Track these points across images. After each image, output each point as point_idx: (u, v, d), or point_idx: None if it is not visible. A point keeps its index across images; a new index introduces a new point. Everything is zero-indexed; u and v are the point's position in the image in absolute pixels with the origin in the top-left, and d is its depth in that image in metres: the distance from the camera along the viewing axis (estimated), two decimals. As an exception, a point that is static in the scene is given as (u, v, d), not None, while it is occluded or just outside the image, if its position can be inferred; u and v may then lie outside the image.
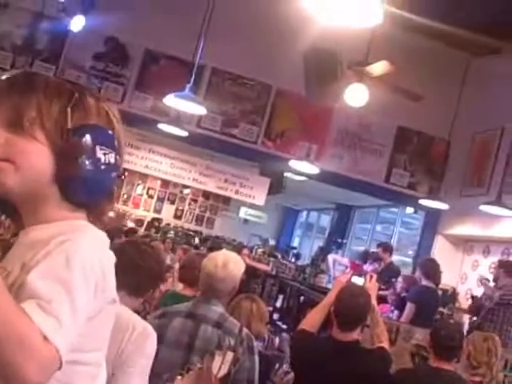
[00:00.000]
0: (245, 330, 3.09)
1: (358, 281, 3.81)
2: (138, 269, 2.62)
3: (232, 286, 3.17)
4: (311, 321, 3.65)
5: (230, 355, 2.68)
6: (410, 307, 6.57)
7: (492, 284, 7.16)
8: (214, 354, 2.74)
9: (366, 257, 8.85)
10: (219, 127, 9.34)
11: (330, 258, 9.99)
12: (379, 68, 5.76)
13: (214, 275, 3.12)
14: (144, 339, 2.44)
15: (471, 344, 4.25)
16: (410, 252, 11.94)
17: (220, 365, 2.63)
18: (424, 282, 6.85)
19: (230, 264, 3.13)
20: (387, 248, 8.90)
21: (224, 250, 3.43)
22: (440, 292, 8.52)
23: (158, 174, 11.55)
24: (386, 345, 3.56)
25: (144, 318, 2.97)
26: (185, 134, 8.22)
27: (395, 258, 12.73)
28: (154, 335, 2.49)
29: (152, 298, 5.13)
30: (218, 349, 2.88)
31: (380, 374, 3.45)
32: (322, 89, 6.68)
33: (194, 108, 6.26)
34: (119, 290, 2.52)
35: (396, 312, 7.04)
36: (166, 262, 8.72)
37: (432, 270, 6.91)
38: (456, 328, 3.73)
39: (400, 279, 7.33)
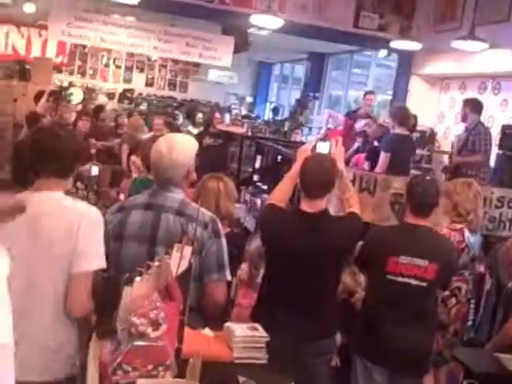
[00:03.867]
0: (208, 214, 2.96)
1: (323, 146, 3.61)
2: (55, 154, 2.57)
3: (184, 171, 2.96)
4: (279, 194, 3.52)
5: (188, 249, 2.56)
6: (384, 156, 6.38)
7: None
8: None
9: (354, 116, 8.56)
10: (172, -12, 8.71)
11: (326, 113, 9.67)
12: None
13: (161, 165, 2.91)
14: (95, 226, 2.56)
15: (456, 193, 4.19)
16: (389, 92, 11.66)
17: (179, 261, 2.52)
18: (397, 130, 6.61)
19: (174, 151, 2.91)
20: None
21: (171, 134, 3.20)
22: (418, 134, 8.44)
23: (114, 47, 10.97)
24: (356, 209, 3.44)
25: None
26: (134, 2, 7.67)
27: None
28: (101, 220, 2.62)
29: (124, 188, 4.99)
30: (182, 237, 2.77)
31: (352, 239, 3.38)
32: None
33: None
34: (48, 178, 2.54)
35: (367, 163, 6.89)
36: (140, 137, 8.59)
37: (403, 116, 6.65)
38: (432, 184, 3.59)
39: (372, 129, 7.13)
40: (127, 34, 10.09)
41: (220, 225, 3.00)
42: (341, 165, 3.55)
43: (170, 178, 2.93)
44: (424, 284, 3.43)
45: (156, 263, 2.49)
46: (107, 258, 2.74)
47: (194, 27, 10.39)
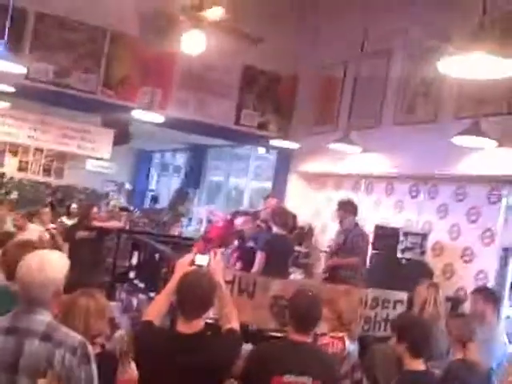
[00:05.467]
0: (77, 338, 2.74)
1: (202, 260, 3.53)
2: None
3: (54, 290, 2.77)
4: (154, 310, 3.37)
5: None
6: (260, 256, 6.29)
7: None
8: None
9: (235, 213, 8.61)
10: (51, 77, 8.50)
11: (206, 210, 9.60)
12: (215, 13, 5.36)
13: (31, 283, 2.71)
14: None
15: (343, 303, 4.23)
16: (268, 183, 11.82)
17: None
18: (274, 229, 6.61)
19: (46, 266, 2.73)
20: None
21: (40, 251, 2.96)
22: (296, 230, 8.56)
23: (-16, 135, 10.50)
24: (235, 324, 3.35)
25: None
26: (11, 89, 7.41)
27: (254, 185, 12.82)
28: None
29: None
30: (48, 364, 2.53)
31: (230, 359, 3.25)
32: (159, 36, 6.17)
33: (12, 67, 5.50)
34: None
35: (239, 263, 6.83)
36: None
37: (280, 217, 6.68)
38: (314, 300, 3.59)
39: (247, 229, 7.12)
40: (1, 122, 9.70)
41: (90, 348, 2.78)
42: (219, 278, 3.47)
43: (37, 298, 2.72)
44: (308, 402, 3.35)
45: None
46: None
47: (72, 117, 10.19)
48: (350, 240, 6.81)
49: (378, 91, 8.03)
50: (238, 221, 8.09)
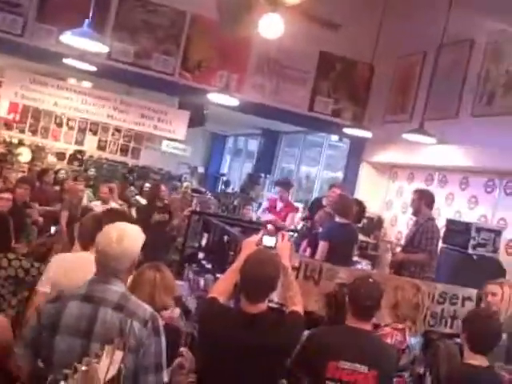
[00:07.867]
0: (149, 310, 2.82)
1: (269, 241, 3.55)
2: None
3: (130, 262, 2.86)
4: (220, 287, 3.42)
5: (118, 355, 2.42)
6: (322, 245, 6.29)
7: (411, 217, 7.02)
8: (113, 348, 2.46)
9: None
10: (132, 59, 8.74)
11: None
12: (294, -2, 5.35)
13: (109, 253, 2.79)
14: None
15: (401, 296, 4.18)
16: (339, 173, 11.75)
17: (108, 366, 2.38)
18: (337, 218, 6.54)
19: (125, 239, 2.81)
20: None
21: (119, 223, 3.05)
22: (365, 220, 8.48)
23: (68, 112, 10.89)
24: (299, 307, 3.37)
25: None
26: (93, 68, 7.64)
27: (325, 174, 12.76)
28: None
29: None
30: (120, 333, 2.62)
31: (291, 342, 3.28)
32: (235, 21, 6.20)
33: (95, 46, 5.68)
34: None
35: (309, 250, 6.82)
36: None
37: (342, 206, 6.62)
38: (375, 287, 3.56)
39: (319, 214, 7.09)
40: (82, 100, 10.05)
41: (160, 321, 2.87)
42: (286, 261, 3.49)
43: (114, 269, 2.81)
44: (363, 391, 3.34)
45: (83, 367, 2.34)
46: (39, 350, 2.67)
47: (150, 98, 10.41)
48: (418, 236, 6.64)
49: (456, 82, 7.80)
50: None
